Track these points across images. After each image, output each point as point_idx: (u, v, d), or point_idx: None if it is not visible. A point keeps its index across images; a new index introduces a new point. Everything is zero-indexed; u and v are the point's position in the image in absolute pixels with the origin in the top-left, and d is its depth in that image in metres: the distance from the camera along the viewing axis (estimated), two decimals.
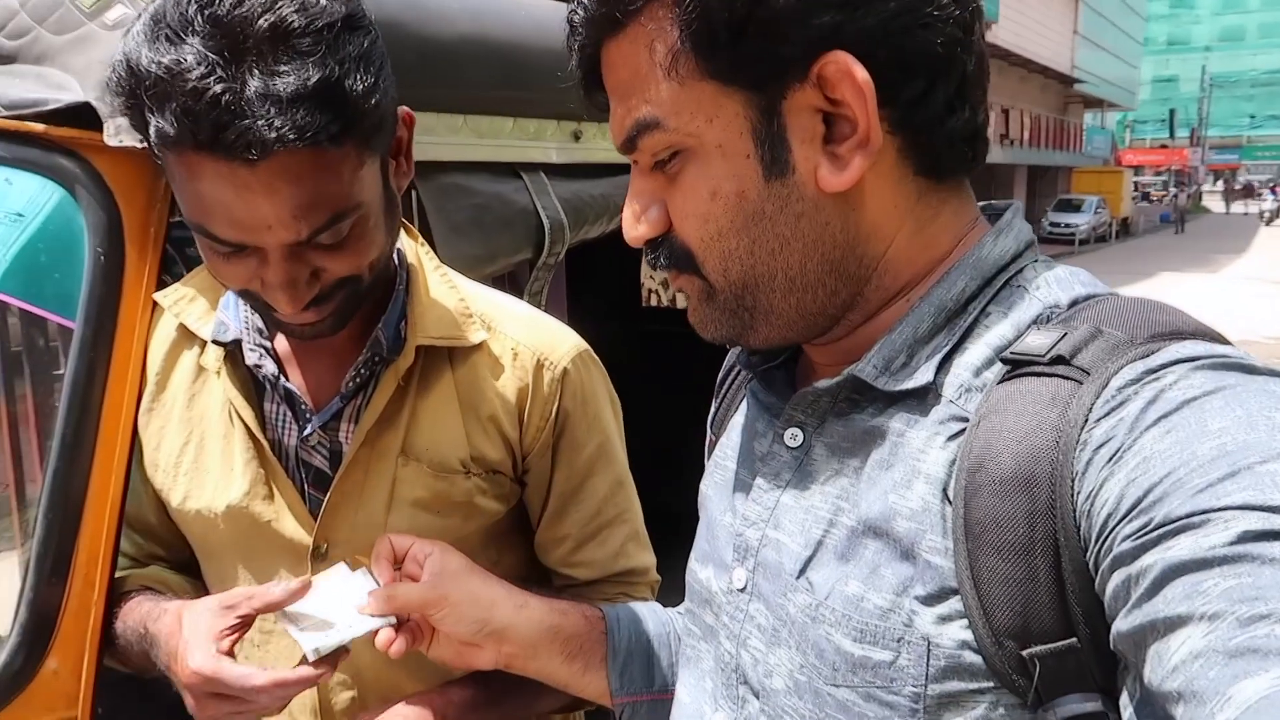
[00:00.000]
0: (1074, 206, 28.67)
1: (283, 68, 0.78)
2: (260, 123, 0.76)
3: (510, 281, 1.48)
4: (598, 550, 1.13)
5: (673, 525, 1.35)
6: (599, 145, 1.59)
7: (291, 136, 0.77)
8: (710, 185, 0.66)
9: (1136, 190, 44.15)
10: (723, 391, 0.94)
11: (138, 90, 0.79)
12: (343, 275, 0.90)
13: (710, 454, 0.91)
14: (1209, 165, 65.12)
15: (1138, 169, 53.95)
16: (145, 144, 1.05)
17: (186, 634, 0.91)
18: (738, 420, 0.85)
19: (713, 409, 0.94)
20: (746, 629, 0.73)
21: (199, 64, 0.76)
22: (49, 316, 1.11)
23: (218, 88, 0.76)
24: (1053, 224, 27.83)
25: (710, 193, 0.66)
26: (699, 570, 0.83)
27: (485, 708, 1.03)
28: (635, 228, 0.71)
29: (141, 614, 1.05)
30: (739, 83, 0.63)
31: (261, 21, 0.77)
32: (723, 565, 0.77)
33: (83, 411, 1.06)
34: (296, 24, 0.78)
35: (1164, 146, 61.33)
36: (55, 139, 1.08)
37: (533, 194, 1.43)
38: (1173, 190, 47.49)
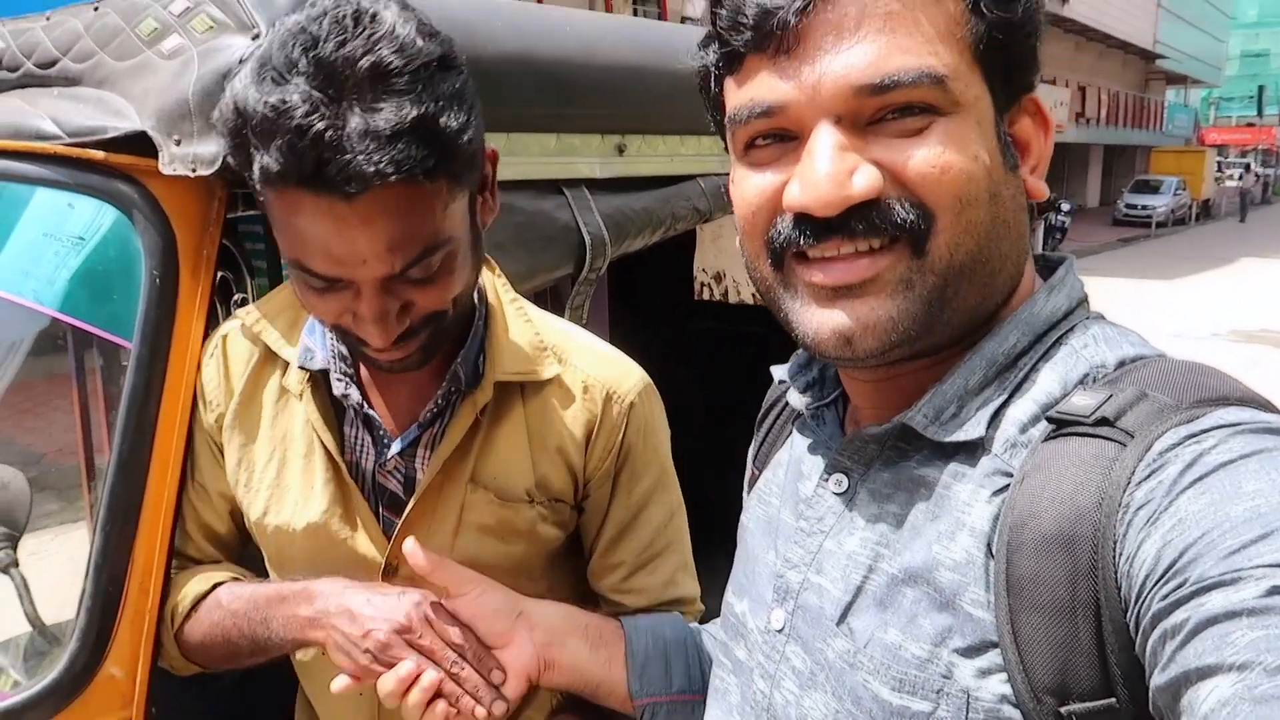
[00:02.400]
0: (1152, 188, 27.74)
1: (381, 105, 0.81)
2: (360, 158, 0.79)
3: (551, 295, 1.50)
4: (649, 578, 1.15)
5: (721, 526, 1.36)
6: (643, 157, 1.59)
7: (389, 171, 0.80)
8: (973, 148, 0.64)
9: (1220, 171, 42.23)
10: (765, 426, 0.94)
11: (244, 130, 0.83)
12: (431, 310, 0.93)
13: (751, 487, 0.92)
14: None
15: (1221, 149, 51.80)
16: (195, 172, 1.10)
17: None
18: (782, 457, 0.86)
19: (755, 443, 0.95)
20: (781, 670, 0.74)
21: (303, 102, 0.79)
22: (106, 336, 1.16)
23: (320, 125, 0.79)
24: (1129, 206, 26.99)
25: (974, 155, 0.64)
26: (735, 603, 0.84)
27: None
28: (847, 184, 0.63)
29: (263, 592, 1.07)
30: (989, 80, 0.66)
31: (363, 62, 0.81)
32: (761, 602, 0.78)
33: (139, 428, 1.11)
34: (395, 64, 0.81)
35: (1250, 125, 58.84)
36: (114, 165, 1.13)
37: (574, 210, 1.44)
38: (1237, 172, 44.31)
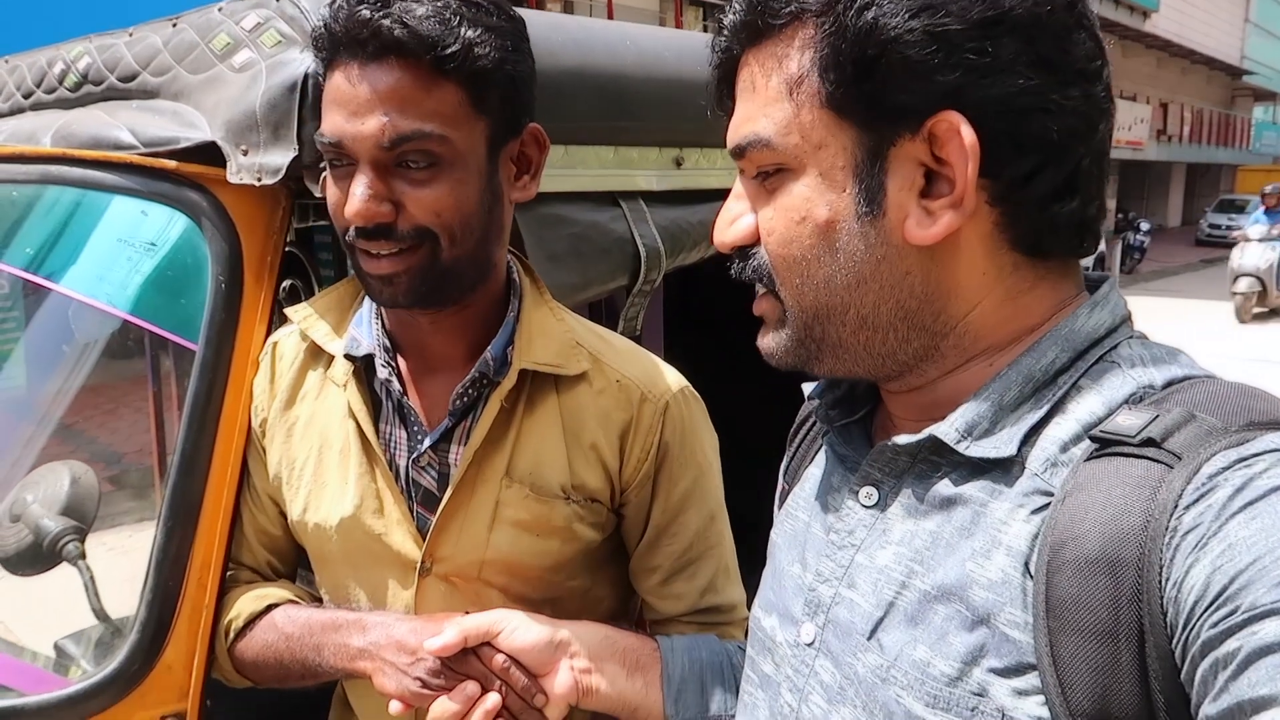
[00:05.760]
0: (1237, 207, 26.76)
1: (425, 3, 0.95)
2: (385, 23, 0.93)
3: (606, 306, 1.51)
4: (686, 584, 1.16)
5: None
6: (701, 170, 1.59)
7: (403, 36, 0.93)
8: (803, 209, 0.67)
9: None
10: (797, 441, 0.94)
11: (323, 30, 0.98)
12: (421, 222, 0.97)
13: (781, 503, 0.91)
14: None
15: None
16: (261, 182, 1.13)
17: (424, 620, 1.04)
18: (812, 471, 0.85)
19: (786, 458, 0.95)
20: (810, 684, 0.74)
21: None
22: (173, 339, 1.20)
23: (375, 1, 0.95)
24: (1213, 226, 26.10)
25: (801, 216, 0.67)
26: (763, 618, 0.84)
27: None
28: (725, 231, 0.73)
29: (318, 618, 1.10)
30: (854, 119, 0.65)
31: None
32: (789, 617, 0.78)
33: (201, 429, 1.15)
34: None
35: None
36: (184, 174, 1.17)
37: (630, 222, 1.45)
38: None
